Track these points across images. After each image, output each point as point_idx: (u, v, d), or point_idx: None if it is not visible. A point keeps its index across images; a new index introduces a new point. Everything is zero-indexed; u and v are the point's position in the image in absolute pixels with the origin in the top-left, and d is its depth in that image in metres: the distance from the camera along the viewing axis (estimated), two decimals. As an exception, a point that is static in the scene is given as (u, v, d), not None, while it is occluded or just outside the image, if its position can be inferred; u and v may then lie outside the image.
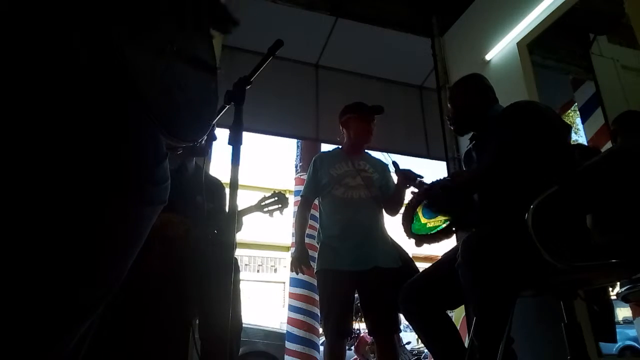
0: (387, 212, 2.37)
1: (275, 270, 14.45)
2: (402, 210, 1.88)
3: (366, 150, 2.51)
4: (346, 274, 2.14)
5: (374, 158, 2.52)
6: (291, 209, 3.18)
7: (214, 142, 1.84)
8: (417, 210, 1.75)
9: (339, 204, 2.27)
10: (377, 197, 2.31)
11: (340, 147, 2.50)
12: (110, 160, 0.51)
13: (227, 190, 1.17)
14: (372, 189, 2.30)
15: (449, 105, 1.87)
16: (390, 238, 2.32)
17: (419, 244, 1.72)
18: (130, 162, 0.54)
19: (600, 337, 1.88)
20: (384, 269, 2.14)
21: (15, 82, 0.47)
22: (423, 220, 1.78)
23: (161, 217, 0.61)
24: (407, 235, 1.73)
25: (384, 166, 2.50)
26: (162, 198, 0.59)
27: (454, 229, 1.75)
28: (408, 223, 1.74)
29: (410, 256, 2.31)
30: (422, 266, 2.19)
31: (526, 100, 1.99)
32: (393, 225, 2.34)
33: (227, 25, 0.73)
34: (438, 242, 1.74)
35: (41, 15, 0.50)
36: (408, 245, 2.29)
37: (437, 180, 1.66)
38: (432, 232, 1.73)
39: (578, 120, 2.53)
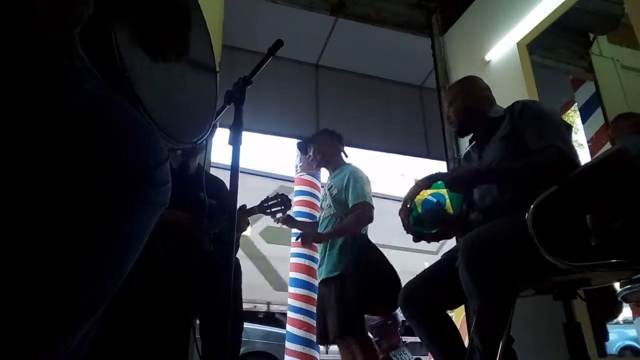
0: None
1: (276, 270, 14.41)
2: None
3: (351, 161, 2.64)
4: (319, 288, 2.49)
5: (343, 171, 2.52)
6: (292, 210, 3.18)
7: (212, 138, 1.85)
8: (416, 202, 1.70)
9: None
10: (337, 213, 2.44)
11: None
12: (110, 162, 0.51)
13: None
14: (335, 205, 2.46)
15: (447, 107, 1.82)
16: (349, 244, 2.33)
17: (416, 239, 1.70)
18: (130, 164, 0.54)
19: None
20: (325, 280, 2.38)
21: (14, 83, 0.47)
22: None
23: (164, 215, 0.61)
24: (406, 230, 1.69)
25: (343, 175, 2.48)
26: (163, 200, 0.59)
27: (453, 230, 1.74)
28: (406, 216, 1.68)
29: (381, 257, 2.29)
30: (419, 258, 2.18)
31: (530, 100, 1.98)
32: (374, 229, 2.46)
33: None
34: (437, 240, 1.73)
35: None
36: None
37: (435, 172, 1.64)
38: (432, 232, 1.72)
39: (578, 121, 2.52)
